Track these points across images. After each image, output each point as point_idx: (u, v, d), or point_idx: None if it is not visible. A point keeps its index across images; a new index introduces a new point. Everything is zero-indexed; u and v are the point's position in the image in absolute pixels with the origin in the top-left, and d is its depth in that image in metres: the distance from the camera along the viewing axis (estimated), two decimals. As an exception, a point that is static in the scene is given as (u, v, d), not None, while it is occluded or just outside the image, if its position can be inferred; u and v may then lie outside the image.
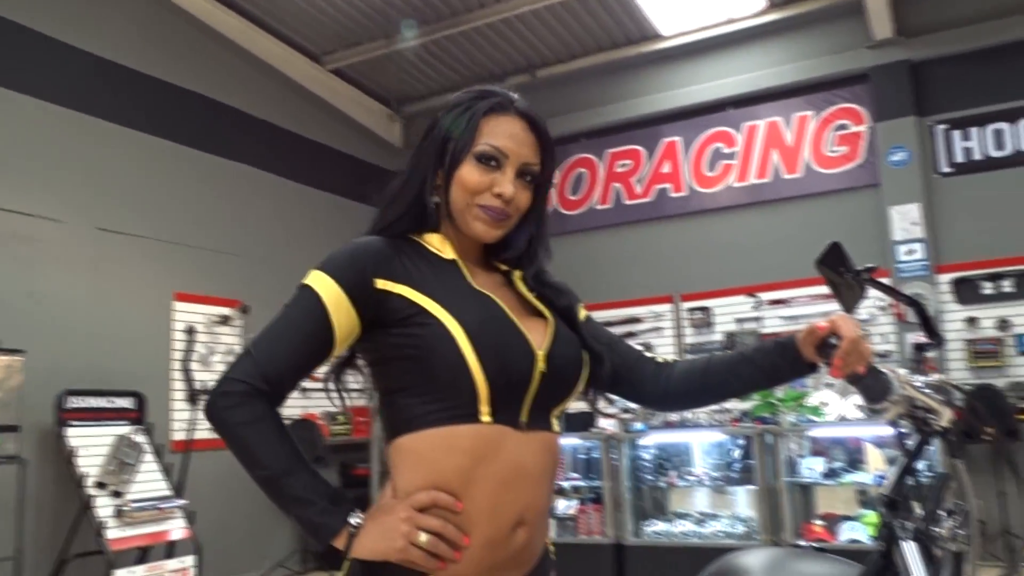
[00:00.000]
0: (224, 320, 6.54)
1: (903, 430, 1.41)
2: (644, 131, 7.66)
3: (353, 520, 1.19)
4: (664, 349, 7.23)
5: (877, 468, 5.05)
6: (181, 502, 5.24)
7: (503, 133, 1.32)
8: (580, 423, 5.73)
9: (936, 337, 1.49)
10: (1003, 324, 6.15)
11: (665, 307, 7.33)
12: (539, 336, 1.32)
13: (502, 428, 1.25)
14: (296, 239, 7.18)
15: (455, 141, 1.32)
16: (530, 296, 1.40)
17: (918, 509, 1.34)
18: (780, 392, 5.38)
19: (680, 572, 4.98)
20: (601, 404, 1.46)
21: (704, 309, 7.17)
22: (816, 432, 5.25)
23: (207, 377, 6.05)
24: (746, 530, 5.14)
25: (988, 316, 6.22)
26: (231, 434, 1.20)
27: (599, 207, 7.79)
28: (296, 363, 1.24)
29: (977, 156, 6.43)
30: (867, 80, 6.79)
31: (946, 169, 6.52)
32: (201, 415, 1.46)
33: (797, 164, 7.02)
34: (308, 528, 1.21)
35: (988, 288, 6.25)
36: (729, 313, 7.09)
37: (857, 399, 5.60)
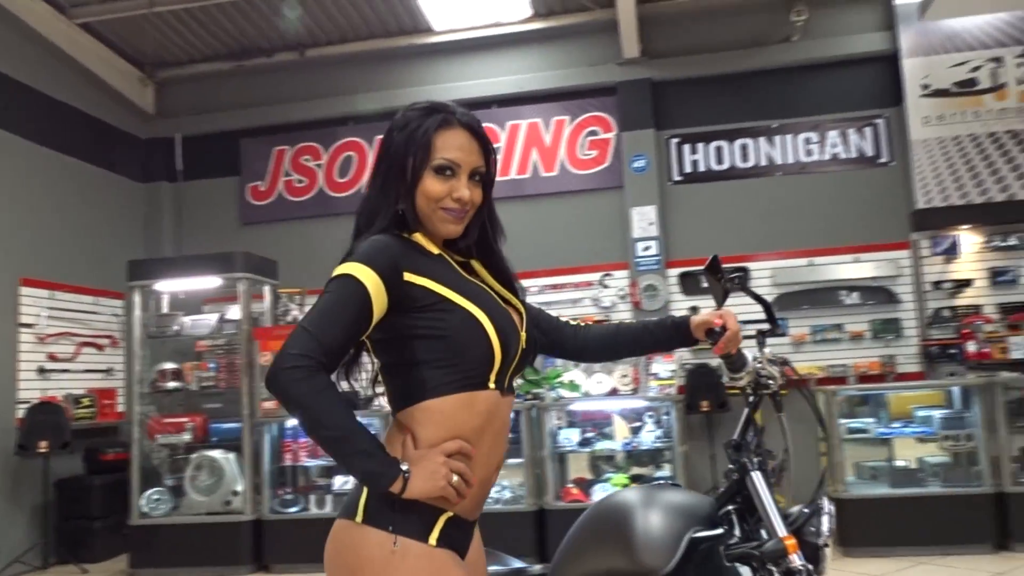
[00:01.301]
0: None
1: (749, 392, 1.84)
2: (413, 120, 7.91)
3: (404, 468, 1.40)
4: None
5: (623, 436, 5.78)
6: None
7: (453, 146, 1.58)
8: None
9: (776, 326, 1.95)
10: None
11: (430, 291, 7.66)
12: (516, 317, 1.59)
13: (498, 393, 1.55)
14: (27, 206, 6.60)
15: (413, 158, 1.56)
16: (493, 281, 1.66)
17: (755, 449, 1.78)
18: (542, 371, 5.95)
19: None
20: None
21: (466, 294, 7.60)
22: (575, 406, 5.88)
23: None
24: (512, 495, 5.64)
25: (707, 306, 7.25)
26: (300, 403, 1.38)
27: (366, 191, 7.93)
28: (344, 342, 1.44)
29: (702, 168, 7.47)
30: (616, 93, 7.60)
31: (677, 177, 7.50)
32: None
33: (554, 163, 7.67)
34: (368, 476, 1.42)
35: (706, 283, 7.30)
36: (489, 298, 7.58)
37: (599, 377, 6.35)
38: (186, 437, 6.02)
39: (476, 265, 1.70)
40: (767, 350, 1.87)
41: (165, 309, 6.45)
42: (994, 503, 5.25)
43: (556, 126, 7.71)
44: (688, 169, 7.50)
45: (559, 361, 6.50)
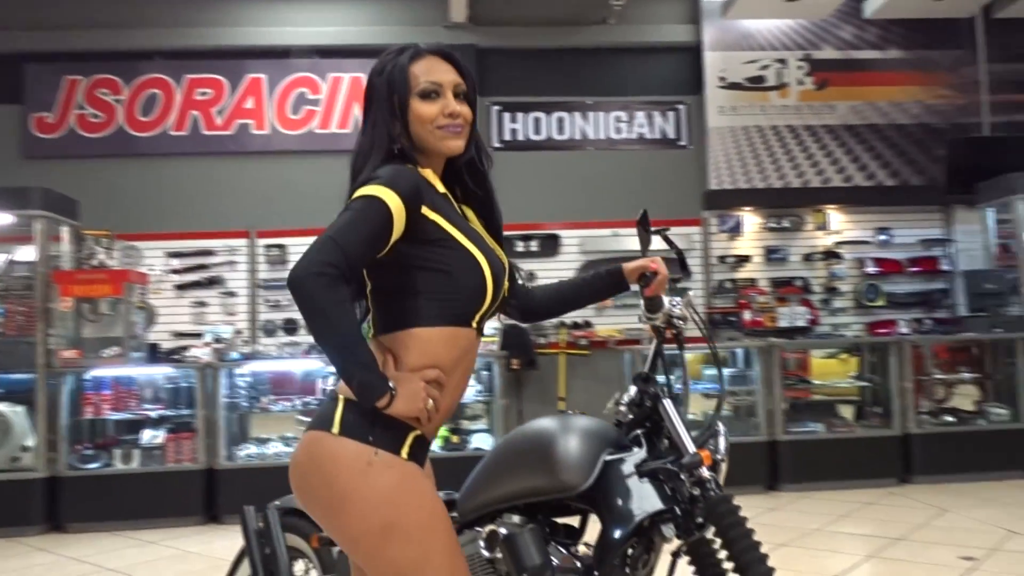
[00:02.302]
0: None
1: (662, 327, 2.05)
2: (228, 63, 7.54)
3: (392, 386, 1.47)
4: (237, 284, 7.31)
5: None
6: None
7: (431, 71, 1.68)
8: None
9: (687, 273, 2.17)
10: (530, 275, 7.60)
11: (241, 242, 7.39)
12: (501, 262, 1.70)
13: (475, 332, 1.68)
14: None
15: (398, 94, 1.64)
16: (479, 227, 1.75)
17: (661, 380, 2.00)
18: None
19: (275, 490, 5.32)
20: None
21: (281, 247, 7.41)
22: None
23: None
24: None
25: (521, 268, 7.60)
26: (320, 307, 1.41)
27: (173, 133, 7.47)
28: (364, 258, 1.50)
29: (520, 137, 7.76)
30: (441, 55, 7.67)
31: (497, 144, 7.73)
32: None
33: (376, 120, 7.63)
34: (363, 387, 1.46)
35: (520, 246, 7.64)
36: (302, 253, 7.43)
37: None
38: (-37, 389, 5.45)
39: (468, 212, 1.79)
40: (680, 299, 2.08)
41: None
42: (767, 450, 6.00)
43: (380, 83, 7.65)
44: (507, 137, 7.75)
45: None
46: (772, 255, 7.60)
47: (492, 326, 6.42)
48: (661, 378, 2.02)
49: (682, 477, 1.81)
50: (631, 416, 2.00)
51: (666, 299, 2.01)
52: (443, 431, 5.78)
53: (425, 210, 1.58)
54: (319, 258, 1.45)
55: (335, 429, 1.55)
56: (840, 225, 7.76)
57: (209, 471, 5.48)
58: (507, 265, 1.78)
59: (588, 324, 7.51)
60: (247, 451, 5.58)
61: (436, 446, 5.68)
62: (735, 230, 7.57)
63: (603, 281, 2.04)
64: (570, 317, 7.50)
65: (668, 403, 1.92)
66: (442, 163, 1.73)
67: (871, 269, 7.62)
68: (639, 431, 1.98)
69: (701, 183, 7.68)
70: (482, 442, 5.84)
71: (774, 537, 4.52)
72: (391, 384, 1.50)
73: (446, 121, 1.66)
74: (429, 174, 1.68)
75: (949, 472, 5.98)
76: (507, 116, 7.75)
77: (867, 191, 7.73)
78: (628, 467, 1.87)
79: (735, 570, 1.74)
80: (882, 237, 7.74)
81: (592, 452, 1.89)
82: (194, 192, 7.43)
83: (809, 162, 7.73)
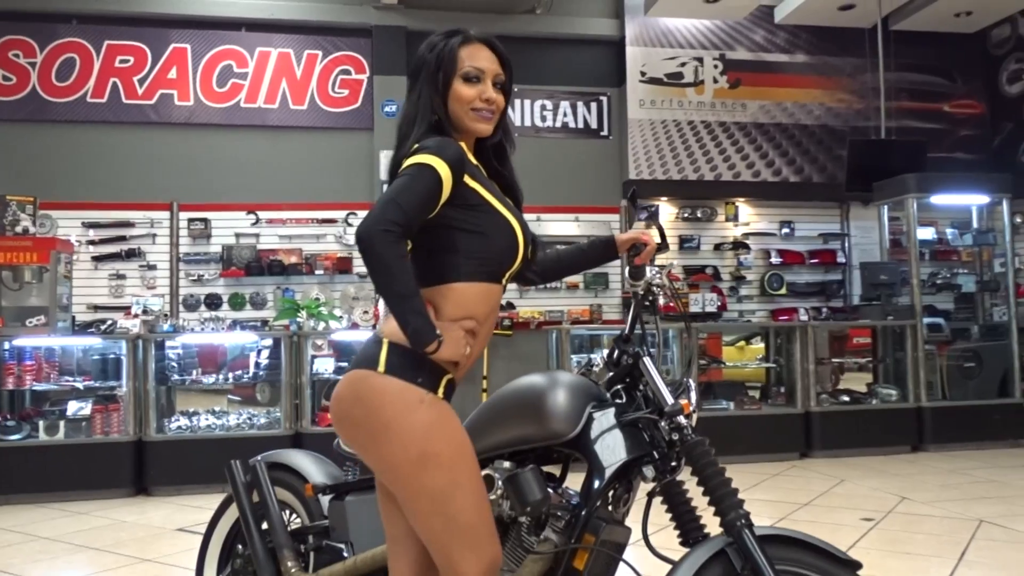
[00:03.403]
0: None
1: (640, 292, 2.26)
2: (151, 31, 7.36)
3: (439, 333, 1.64)
4: (158, 257, 7.19)
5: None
6: None
7: (476, 57, 1.84)
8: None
9: (665, 247, 2.37)
10: (455, 258, 7.76)
11: (162, 215, 7.26)
12: (529, 228, 1.87)
13: (501, 289, 1.86)
14: None
15: (444, 71, 1.80)
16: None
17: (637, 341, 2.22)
18: (300, 301, 6.02)
19: (207, 462, 5.33)
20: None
21: (204, 220, 7.32)
22: (333, 336, 6.04)
23: None
24: (268, 421, 5.68)
25: (445, 251, 7.75)
26: (386, 262, 1.57)
27: (92, 100, 7.25)
28: (419, 219, 1.65)
29: (448, 120, 7.88)
30: (371, 35, 7.72)
31: (425, 126, 7.83)
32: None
33: (304, 97, 7.61)
34: (417, 333, 1.62)
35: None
36: (228, 227, 7.38)
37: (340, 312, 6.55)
38: None
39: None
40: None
41: None
42: (681, 426, 6.36)
43: (308, 60, 7.64)
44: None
45: (314, 292, 6.62)
46: (686, 244, 8.00)
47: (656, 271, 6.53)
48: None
49: (659, 425, 2.03)
50: (610, 374, 2.21)
51: (649, 269, 2.23)
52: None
53: (467, 179, 1.74)
54: (384, 216, 1.59)
55: (381, 368, 1.70)
56: (748, 217, 8.24)
57: (138, 443, 5.42)
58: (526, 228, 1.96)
59: (511, 305, 7.72)
60: (178, 423, 5.55)
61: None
62: (652, 219, 7.91)
63: (597, 249, 2.25)
64: (493, 298, 7.70)
65: (648, 360, 2.14)
66: (472, 140, 1.89)
67: (775, 260, 8.13)
68: (619, 386, 2.19)
69: (621, 172, 7.99)
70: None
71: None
72: (439, 332, 1.67)
73: (481, 105, 1.82)
74: (463, 147, 1.84)
75: (845, 447, 6.50)
76: (436, 99, 7.85)
77: (773, 186, 8.22)
78: (611, 417, 2.08)
79: (710, 503, 1.97)
80: (785, 230, 8.27)
81: (579, 404, 2.08)
82: (113, 162, 7.24)
83: (722, 157, 8.16)
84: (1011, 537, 4.08)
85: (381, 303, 6.69)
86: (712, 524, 1.99)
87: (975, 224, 7.70)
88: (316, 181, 7.57)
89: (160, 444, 5.42)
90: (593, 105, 8.13)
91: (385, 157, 7.58)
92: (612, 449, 2.03)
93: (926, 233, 7.49)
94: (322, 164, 7.63)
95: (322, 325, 6.03)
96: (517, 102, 8.00)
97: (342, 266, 7.44)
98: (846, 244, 8.40)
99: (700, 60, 8.19)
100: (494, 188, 1.86)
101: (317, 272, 7.38)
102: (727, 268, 8.11)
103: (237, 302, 7.28)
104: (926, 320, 6.91)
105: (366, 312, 7.19)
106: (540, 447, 2.08)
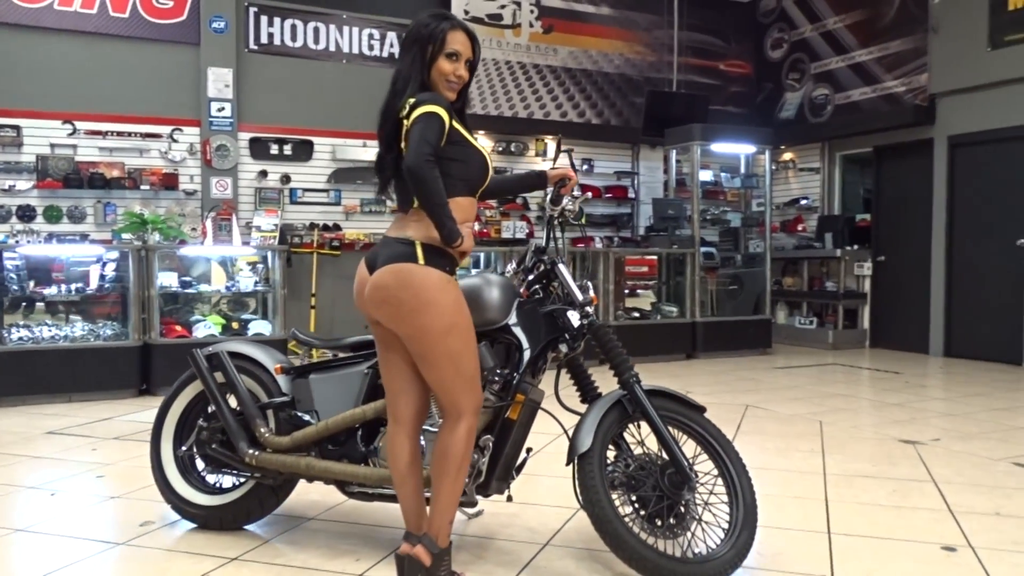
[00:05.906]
0: None
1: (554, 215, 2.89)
2: (-51, -85, 6.78)
3: (462, 230, 2.17)
4: (-37, 164, 6.78)
5: (221, 282, 6.28)
6: None
7: (458, 41, 2.37)
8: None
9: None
10: (284, 178, 7.96)
11: (-33, 119, 6.83)
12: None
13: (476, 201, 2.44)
14: None
15: (432, 46, 2.32)
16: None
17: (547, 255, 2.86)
18: (147, 216, 6.06)
19: (51, 370, 5.38)
20: None
21: (15, 128, 6.97)
22: (181, 252, 6.14)
23: None
24: (114, 332, 5.74)
25: (274, 171, 7.93)
26: (428, 182, 2.13)
27: None
28: (436, 152, 2.17)
29: (277, 42, 7.97)
30: (197, -53, 7.58)
31: (253, 46, 7.88)
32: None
33: (125, 6, 7.37)
34: (452, 232, 2.17)
35: (274, 149, 7.95)
36: (43, 136, 7.08)
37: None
38: None
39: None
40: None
41: None
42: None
43: (129, -34, 7.39)
44: (264, 40, 7.93)
45: (162, 209, 6.63)
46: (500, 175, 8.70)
47: (271, 222, 6.75)
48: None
49: (569, 314, 2.70)
50: (530, 277, 2.85)
51: (566, 198, 2.87)
52: (216, 319, 6.15)
53: (454, 123, 2.30)
54: (423, 150, 2.14)
55: (421, 261, 2.25)
56: (556, 153, 9.08)
57: (-23, 353, 5.33)
58: None
59: (338, 227, 8.08)
60: (19, 334, 5.49)
61: (217, 332, 6.06)
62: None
63: (532, 180, 2.87)
64: (321, 220, 8.03)
65: (563, 266, 2.80)
66: None
67: (576, 193, 9.06)
68: (536, 286, 2.83)
69: (443, 105, 8.49)
70: (261, 328, 6.27)
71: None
72: (462, 230, 2.24)
73: (453, 78, 2.37)
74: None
75: (632, 355, 7.59)
76: (264, 19, 7.91)
77: (578, 127, 9.12)
78: (533, 308, 2.73)
79: (611, 367, 2.70)
80: (586, 167, 9.23)
81: (508, 298, 2.71)
82: (-93, 58, 6.68)
83: (534, 96, 8.91)
84: (771, 416, 5.27)
85: (209, 220, 6.83)
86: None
87: (743, 169, 9.07)
88: (139, 93, 7.42)
89: (1, 355, 5.36)
90: (418, 38, 8.51)
91: (213, 74, 7.58)
92: (536, 331, 2.69)
93: (705, 175, 8.73)
94: (146, 77, 7.47)
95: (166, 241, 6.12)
96: (345, 29, 8.22)
97: (168, 182, 7.41)
98: (635, 181, 9.53)
99: (518, 4, 8.82)
100: (466, 128, 2.41)
101: (143, 187, 7.30)
102: (535, 199, 8.93)
103: (53, 215, 7.06)
104: (702, 249, 8.16)
105: (194, 229, 7.29)
106: (480, 331, 2.70)
